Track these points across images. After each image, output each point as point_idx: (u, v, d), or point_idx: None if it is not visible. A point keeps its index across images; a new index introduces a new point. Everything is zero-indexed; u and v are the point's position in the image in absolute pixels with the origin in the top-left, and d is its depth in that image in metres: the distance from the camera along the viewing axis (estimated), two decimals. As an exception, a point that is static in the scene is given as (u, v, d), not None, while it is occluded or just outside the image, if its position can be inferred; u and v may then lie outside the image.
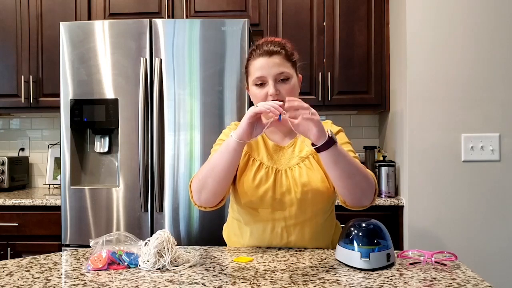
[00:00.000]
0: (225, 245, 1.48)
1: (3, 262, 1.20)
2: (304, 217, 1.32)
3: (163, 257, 1.12)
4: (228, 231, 1.48)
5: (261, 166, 1.34)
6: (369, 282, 1.00)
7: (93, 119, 2.30)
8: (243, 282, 1.01)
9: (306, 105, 1.14)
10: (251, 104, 2.28)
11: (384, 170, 2.41)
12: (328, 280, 1.03)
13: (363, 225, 1.16)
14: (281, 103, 1.17)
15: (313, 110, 1.14)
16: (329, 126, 1.40)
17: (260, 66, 1.31)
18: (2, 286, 0.99)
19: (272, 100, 1.25)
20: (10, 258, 2.33)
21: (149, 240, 1.14)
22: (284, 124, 1.20)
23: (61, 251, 2.29)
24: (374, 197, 1.27)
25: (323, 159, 1.19)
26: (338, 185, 1.23)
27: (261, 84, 1.32)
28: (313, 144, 1.17)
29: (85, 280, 1.03)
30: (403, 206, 2.32)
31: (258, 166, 1.34)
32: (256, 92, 1.32)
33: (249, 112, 1.17)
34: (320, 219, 1.35)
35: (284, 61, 1.32)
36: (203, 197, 1.28)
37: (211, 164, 1.25)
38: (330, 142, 1.15)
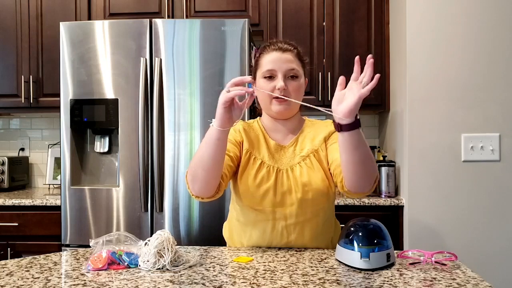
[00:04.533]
0: (225, 245, 1.48)
1: (3, 262, 1.20)
2: (304, 216, 1.33)
3: (163, 257, 1.12)
4: (228, 230, 1.47)
5: (262, 165, 1.34)
6: (369, 282, 1.00)
7: (93, 119, 2.30)
8: (243, 282, 1.01)
9: (364, 79, 1.06)
10: (252, 103, 2.28)
11: (384, 170, 2.41)
12: (328, 280, 1.03)
13: (363, 225, 1.16)
14: (249, 79, 1.14)
15: (366, 87, 1.06)
16: (330, 125, 1.41)
17: (273, 59, 1.33)
18: (2, 286, 0.99)
19: (246, 84, 1.17)
20: (10, 258, 2.33)
21: (149, 240, 1.14)
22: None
23: (61, 251, 2.29)
24: (374, 185, 1.24)
25: (344, 142, 1.13)
26: (350, 170, 1.18)
27: (270, 77, 1.33)
28: (337, 125, 1.10)
29: (85, 280, 1.03)
30: (403, 206, 2.32)
31: (260, 165, 1.34)
32: (264, 85, 1.33)
33: (222, 99, 1.13)
34: (320, 219, 1.35)
35: (295, 59, 1.35)
36: (196, 188, 1.25)
37: (198, 155, 1.22)
38: (356, 124, 1.09)
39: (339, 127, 1.10)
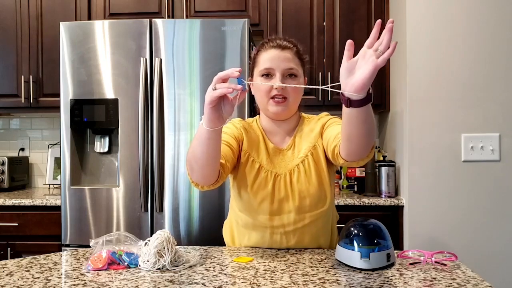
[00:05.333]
0: (225, 245, 1.47)
1: (3, 262, 1.20)
2: (303, 222, 1.31)
3: (163, 257, 1.11)
4: (229, 229, 1.45)
5: (261, 169, 1.32)
6: (369, 282, 1.00)
7: (93, 119, 2.30)
8: (243, 282, 1.01)
9: (381, 47, 0.90)
10: (251, 101, 2.28)
11: (384, 170, 2.41)
12: (328, 280, 1.02)
13: (363, 225, 1.15)
14: (237, 73, 0.99)
15: (382, 56, 0.90)
16: (324, 117, 1.39)
17: (271, 57, 1.29)
18: (2, 286, 0.99)
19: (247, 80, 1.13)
20: (10, 258, 2.33)
21: (149, 240, 1.14)
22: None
23: (61, 251, 2.29)
24: (372, 151, 1.14)
25: (351, 117, 1.01)
26: (353, 142, 1.08)
27: (268, 75, 1.30)
28: (347, 100, 0.97)
29: (85, 280, 1.03)
30: (403, 206, 2.32)
31: (258, 169, 1.32)
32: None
33: (208, 98, 1.01)
34: (319, 222, 1.34)
35: (294, 58, 1.31)
36: (195, 177, 1.20)
37: (192, 151, 1.15)
38: (368, 100, 0.96)
39: (348, 102, 0.96)
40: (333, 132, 1.26)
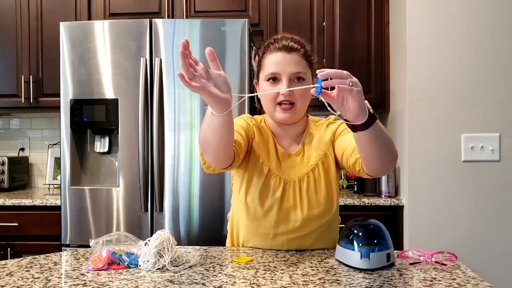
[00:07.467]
0: (225, 245, 1.47)
1: (3, 262, 1.20)
2: (308, 230, 1.29)
3: (163, 257, 1.11)
4: (229, 224, 1.42)
5: (270, 174, 1.28)
6: (369, 282, 1.00)
7: (93, 119, 2.30)
8: (243, 282, 1.01)
9: (345, 72, 0.94)
10: (251, 101, 2.28)
11: (384, 170, 2.41)
12: (328, 280, 1.02)
13: (363, 225, 1.16)
14: (184, 41, 0.93)
15: (354, 79, 0.94)
16: (333, 123, 1.36)
17: (277, 61, 1.24)
18: (2, 286, 0.99)
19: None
20: (10, 258, 2.33)
21: (149, 240, 1.14)
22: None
23: (61, 251, 2.29)
24: (396, 160, 1.14)
25: (361, 139, 1.03)
26: (371, 160, 1.09)
27: (274, 79, 1.25)
28: (352, 127, 0.99)
29: (85, 280, 1.03)
30: (403, 206, 2.32)
31: (267, 174, 1.28)
32: (267, 88, 1.25)
33: (190, 87, 0.97)
34: (323, 228, 1.32)
35: (302, 60, 1.25)
36: (208, 160, 1.15)
37: (203, 136, 1.09)
38: (371, 121, 0.98)
39: (354, 128, 1.00)
40: (348, 143, 1.22)
